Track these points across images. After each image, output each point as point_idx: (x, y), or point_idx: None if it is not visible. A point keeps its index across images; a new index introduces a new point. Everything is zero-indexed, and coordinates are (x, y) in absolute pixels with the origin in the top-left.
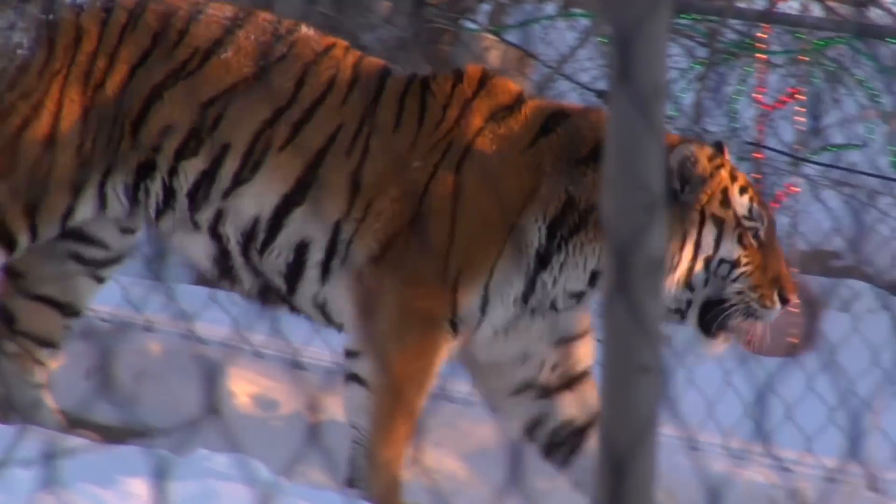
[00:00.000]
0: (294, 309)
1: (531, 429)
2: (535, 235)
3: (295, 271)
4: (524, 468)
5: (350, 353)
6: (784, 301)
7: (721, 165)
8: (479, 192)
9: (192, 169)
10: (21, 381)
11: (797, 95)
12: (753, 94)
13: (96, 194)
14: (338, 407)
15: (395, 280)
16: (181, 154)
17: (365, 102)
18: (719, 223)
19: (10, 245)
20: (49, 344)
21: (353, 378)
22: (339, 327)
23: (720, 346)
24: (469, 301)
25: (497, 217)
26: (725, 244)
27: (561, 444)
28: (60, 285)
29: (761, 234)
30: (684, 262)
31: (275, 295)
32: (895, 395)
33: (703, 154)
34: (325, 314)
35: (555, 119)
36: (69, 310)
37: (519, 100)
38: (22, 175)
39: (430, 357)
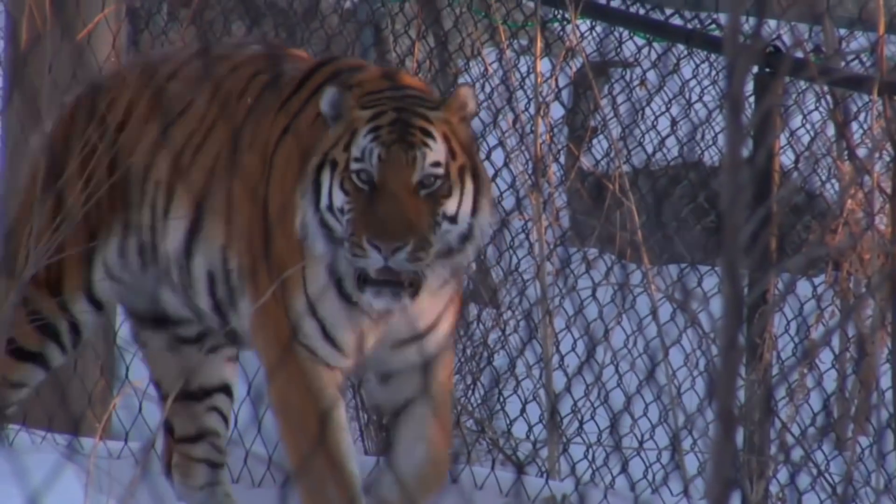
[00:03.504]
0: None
1: None
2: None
3: (216, 305)
4: None
5: None
6: (375, 247)
7: (369, 107)
8: (276, 195)
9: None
10: (187, 489)
11: None
12: None
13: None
14: None
15: (254, 311)
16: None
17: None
18: (333, 168)
19: None
20: (199, 437)
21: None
22: None
23: (375, 303)
24: (298, 307)
25: (290, 218)
26: (333, 191)
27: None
28: (183, 375)
29: (374, 174)
30: (302, 212)
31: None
32: None
33: (351, 96)
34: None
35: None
36: (201, 393)
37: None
38: None
39: (305, 380)
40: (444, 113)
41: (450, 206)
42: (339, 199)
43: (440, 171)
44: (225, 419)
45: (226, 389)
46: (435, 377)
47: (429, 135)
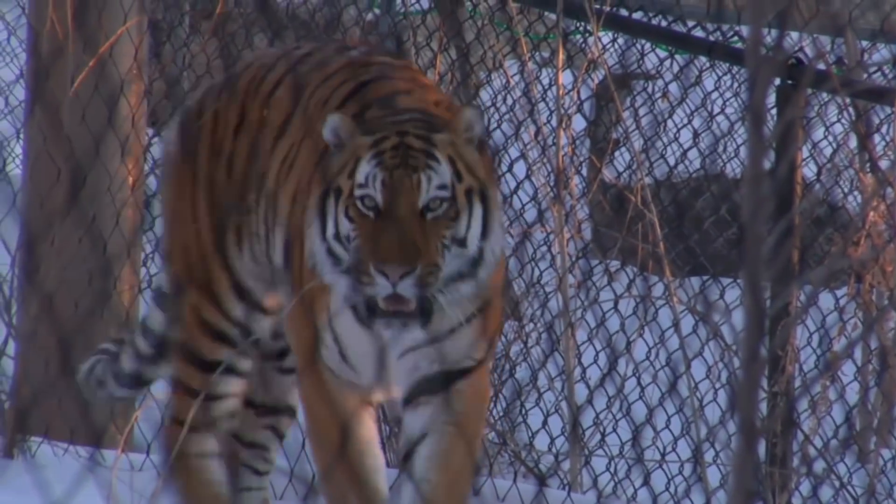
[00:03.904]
0: None
1: None
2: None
3: None
4: None
5: None
6: (382, 274)
7: (371, 132)
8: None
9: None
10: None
11: None
12: None
13: None
14: None
15: (289, 312)
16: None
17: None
18: (337, 196)
19: None
20: (249, 445)
21: None
22: None
23: (385, 334)
24: (321, 326)
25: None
26: (339, 219)
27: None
28: (253, 384)
29: (379, 200)
30: (309, 241)
31: None
32: None
33: (347, 123)
34: None
35: None
36: (262, 410)
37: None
38: None
39: (329, 395)
40: (448, 135)
41: (458, 230)
42: (344, 226)
43: (446, 193)
44: (280, 436)
45: (288, 410)
46: (459, 405)
47: (433, 157)
